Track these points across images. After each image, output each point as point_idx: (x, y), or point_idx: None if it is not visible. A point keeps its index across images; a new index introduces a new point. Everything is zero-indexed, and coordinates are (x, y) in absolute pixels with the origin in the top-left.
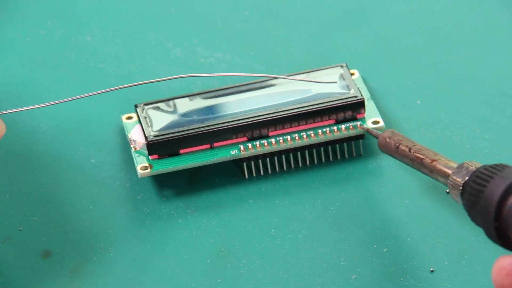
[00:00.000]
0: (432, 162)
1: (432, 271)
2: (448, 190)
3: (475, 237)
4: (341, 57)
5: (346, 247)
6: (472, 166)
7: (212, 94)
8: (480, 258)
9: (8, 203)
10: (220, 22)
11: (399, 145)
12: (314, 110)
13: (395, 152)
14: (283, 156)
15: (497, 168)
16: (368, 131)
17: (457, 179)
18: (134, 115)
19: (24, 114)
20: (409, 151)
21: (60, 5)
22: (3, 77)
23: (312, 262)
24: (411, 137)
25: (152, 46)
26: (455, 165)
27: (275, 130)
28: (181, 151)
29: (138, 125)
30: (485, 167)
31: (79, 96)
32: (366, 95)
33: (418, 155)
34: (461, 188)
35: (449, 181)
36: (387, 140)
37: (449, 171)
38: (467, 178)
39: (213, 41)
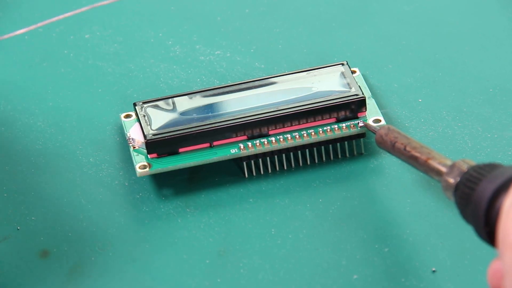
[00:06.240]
0: (426, 160)
1: (434, 271)
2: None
3: (477, 237)
4: (342, 55)
5: (347, 246)
6: (464, 166)
7: (212, 92)
8: (482, 258)
9: (6, 202)
10: (220, 19)
11: (395, 143)
12: (315, 109)
13: (391, 149)
14: (284, 155)
15: (486, 169)
16: (367, 126)
17: (450, 180)
18: (133, 113)
19: (22, 112)
20: (404, 149)
21: (59, 2)
22: (1, 75)
23: (313, 261)
24: (413, 135)
25: (152, 44)
26: (449, 163)
27: (275, 128)
28: (181, 150)
29: (137, 124)
30: (474, 169)
31: None
32: (367, 93)
33: (413, 153)
34: (453, 189)
35: (442, 181)
36: (384, 137)
37: (443, 170)
38: (458, 179)
39: (213, 39)
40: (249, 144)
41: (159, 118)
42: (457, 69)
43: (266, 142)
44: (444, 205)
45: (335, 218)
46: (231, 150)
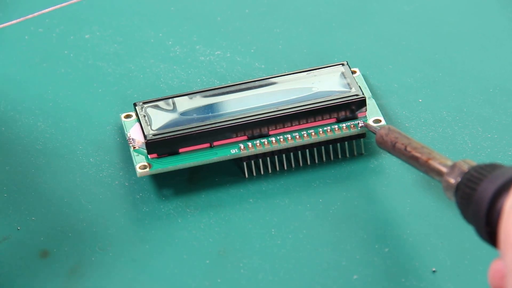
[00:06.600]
0: (427, 160)
1: (434, 271)
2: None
3: (477, 237)
4: (342, 55)
5: (347, 247)
6: (464, 166)
7: (212, 92)
8: (482, 258)
9: (6, 202)
10: (220, 19)
11: (395, 143)
12: (315, 109)
13: (391, 149)
14: (284, 155)
15: (487, 170)
16: (367, 126)
17: (450, 180)
18: (133, 113)
19: (22, 112)
20: (405, 149)
21: (59, 2)
22: (2, 76)
23: (313, 262)
24: (413, 135)
25: (152, 44)
26: (449, 163)
27: (276, 129)
28: (181, 150)
29: (137, 124)
30: (475, 169)
31: None
32: (367, 94)
33: (413, 153)
34: (454, 189)
35: (442, 181)
36: (384, 137)
37: (444, 170)
38: (459, 179)
39: (213, 39)
40: (249, 144)
41: (159, 118)
42: (457, 69)
43: (266, 142)
44: (444, 205)
45: (335, 218)
46: (231, 150)
